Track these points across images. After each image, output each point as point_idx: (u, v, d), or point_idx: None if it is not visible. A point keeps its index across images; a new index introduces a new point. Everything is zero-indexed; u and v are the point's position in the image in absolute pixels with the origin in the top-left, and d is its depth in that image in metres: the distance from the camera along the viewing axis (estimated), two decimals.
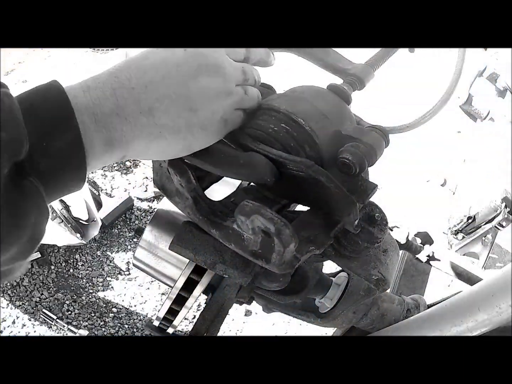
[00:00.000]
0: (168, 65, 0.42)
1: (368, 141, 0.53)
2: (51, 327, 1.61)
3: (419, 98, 3.17)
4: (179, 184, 0.53)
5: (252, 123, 0.54)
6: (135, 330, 1.68)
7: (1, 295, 1.64)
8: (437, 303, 0.71)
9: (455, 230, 1.98)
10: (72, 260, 1.78)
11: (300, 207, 0.62)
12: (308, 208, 0.55)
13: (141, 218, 1.97)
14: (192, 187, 0.52)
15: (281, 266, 0.45)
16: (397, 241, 1.34)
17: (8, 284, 1.67)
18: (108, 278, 1.77)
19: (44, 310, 1.63)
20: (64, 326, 1.59)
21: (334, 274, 0.79)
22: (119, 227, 1.91)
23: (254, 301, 0.81)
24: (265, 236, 0.44)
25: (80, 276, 1.75)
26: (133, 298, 1.75)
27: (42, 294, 1.67)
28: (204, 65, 0.43)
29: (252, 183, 0.63)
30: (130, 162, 2.13)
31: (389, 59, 0.77)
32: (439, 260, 1.39)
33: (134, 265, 0.80)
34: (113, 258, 1.82)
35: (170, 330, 0.70)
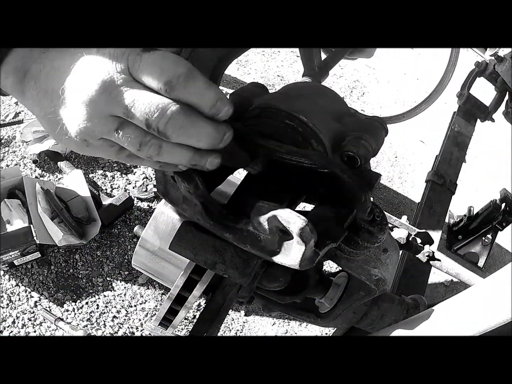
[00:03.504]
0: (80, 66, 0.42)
1: (368, 132, 0.53)
2: (50, 327, 1.61)
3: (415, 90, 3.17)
4: (186, 191, 0.52)
5: (256, 121, 0.54)
6: (134, 330, 1.68)
7: (1, 294, 1.64)
8: (437, 303, 0.71)
9: (455, 230, 1.97)
10: (72, 260, 1.78)
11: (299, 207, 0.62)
12: (315, 205, 0.56)
13: (141, 218, 1.97)
14: (200, 192, 0.52)
15: (303, 263, 0.45)
16: (397, 241, 1.34)
17: (8, 283, 1.67)
18: (108, 278, 1.77)
19: (44, 310, 1.63)
20: (63, 326, 1.59)
21: (334, 274, 0.79)
22: (119, 227, 1.91)
23: (254, 301, 0.81)
24: (283, 235, 0.45)
25: (80, 276, 1.75)
26: (133, 298, 1.75)
27: (42, 294, 1.67)
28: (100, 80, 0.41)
29: (249, 183, 0.63)
30: None
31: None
32: (439, 260, 1.38)
33: (133, 265, 0.80)
34: (113, 258, 1.82)
35: (170, 330, 0.70)
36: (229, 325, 1.78)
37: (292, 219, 0.42)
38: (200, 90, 0.42)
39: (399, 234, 1.33)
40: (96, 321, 1.66)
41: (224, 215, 0.52)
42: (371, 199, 0.54)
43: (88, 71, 0.41)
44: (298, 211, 0.60)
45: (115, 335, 1.65)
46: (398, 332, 0.73)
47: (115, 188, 2.04)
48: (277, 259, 0.47)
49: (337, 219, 0.50)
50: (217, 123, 0.44)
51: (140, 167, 2.11)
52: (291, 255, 0.45)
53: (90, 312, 1.68)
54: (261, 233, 0.47)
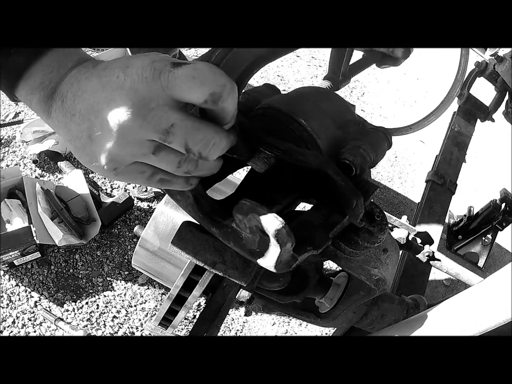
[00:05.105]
0: (105, 89, 0.39)
1: (369, 142, 0.53)
2: (50, 327, 1.61)
3: (422, 98, 3.17)
4: None
5: (261, 119, 0.55)
6: (134, 330, 1.68)
7: (1, 294, 1.64)
8: (437, 303, 0.71)
9: (455, 230, 1.97)
10: (72, 260, 1.78)
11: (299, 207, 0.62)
12: (311, 206, 0.55)
13: (141, 218, 1.97)
14: None
15: (279, 266, 0.45)
16: (397, 241, 1.34)
17: (8, 283, 1.67)
18: (108, 278, 1.77)
19: (44, 310, 1.63)
20: (63, 326, 1.59)
21: (334, 274, 0.80)
22: (119, 227, 1.91)
23: (254, 301, 0.81)
24: (262, 235, 0.44)
25: (80, 276, 1.75)
26: (133, 298, 1.75)
27: (41, 294, 1.67)
28: (132, 102, 0.38)
29: (249, 182, 0.63)
30: None
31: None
32: (439, 260, 1.38)
33: (133, 265, 0.80)
34: (113, 258, 1.82)
35: (170, 330, 0.70)
36: (229, 325, 1.78)
37: (268, 219, 0.42)
38: (236, 100, 0.41)
39: (399, 234, 1.33)
40: (96, 321, 1.66)
41: (215, 210, 0.52)
42: (372, 201, 0.54)
43: (118, 95, 0.39)
44: (292, 211, 0.60)
45: (115, 335, 1.65)
46: (398, 332, 0.73)
47: (115, 188, 2.04)
48: (255, 259, 0.47)
49: (323, 227, 0.50)
50: (228, 132, 0.43)
51: None
52: (267, 256, 0.45)
53: (90, 312, 1.68)
54: (242, 231, 0.47)
